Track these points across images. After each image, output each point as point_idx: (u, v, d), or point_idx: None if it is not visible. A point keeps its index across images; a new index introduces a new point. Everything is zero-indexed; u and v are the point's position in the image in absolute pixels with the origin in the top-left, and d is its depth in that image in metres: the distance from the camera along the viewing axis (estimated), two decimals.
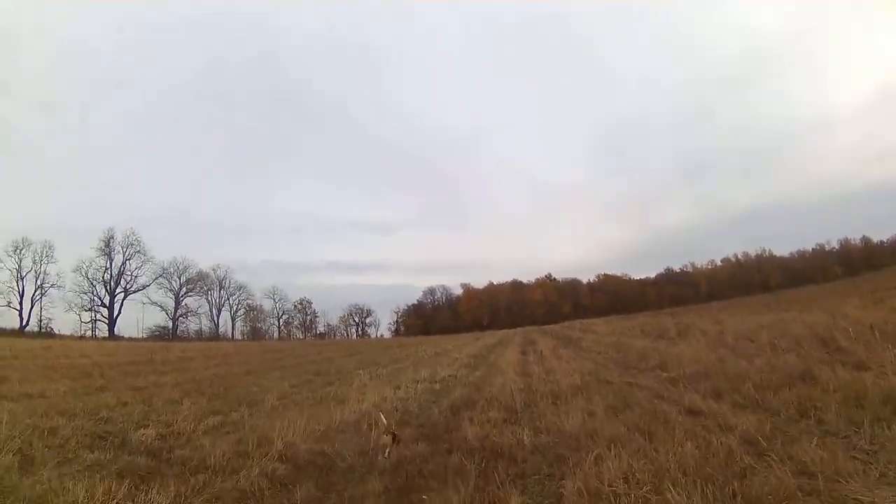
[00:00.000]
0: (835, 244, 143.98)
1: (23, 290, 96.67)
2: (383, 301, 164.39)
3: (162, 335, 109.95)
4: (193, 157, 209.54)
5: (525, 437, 9.04)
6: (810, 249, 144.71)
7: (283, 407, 14.83)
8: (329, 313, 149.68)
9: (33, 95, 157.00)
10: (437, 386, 18.23)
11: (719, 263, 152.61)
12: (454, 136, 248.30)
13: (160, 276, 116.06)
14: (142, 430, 10.97)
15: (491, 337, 61.00)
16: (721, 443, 7.10)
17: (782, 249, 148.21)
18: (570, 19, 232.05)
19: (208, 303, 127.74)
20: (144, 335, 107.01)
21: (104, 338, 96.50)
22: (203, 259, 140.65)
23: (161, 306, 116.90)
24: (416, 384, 18.45)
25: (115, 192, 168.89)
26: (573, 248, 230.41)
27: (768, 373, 11.33)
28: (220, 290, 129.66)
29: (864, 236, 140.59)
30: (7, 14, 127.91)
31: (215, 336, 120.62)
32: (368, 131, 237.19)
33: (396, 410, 12.85)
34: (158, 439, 10.50)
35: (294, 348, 58.99)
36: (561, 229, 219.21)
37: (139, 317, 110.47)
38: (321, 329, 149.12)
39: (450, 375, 21.22)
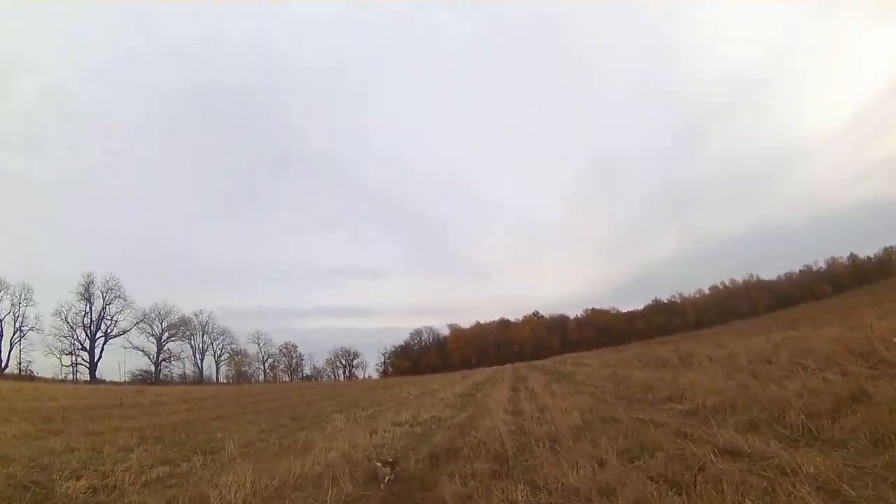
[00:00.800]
0: (822, 264, 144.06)
1: (1, 333, 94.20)
2: (372, 344, 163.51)
3: (144, 379, 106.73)
4: (178, 205, 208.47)
5: (519, 497, 7.00)
6: (797, 271, 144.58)
7: (243, 456, 13.19)
8: (317, 357, 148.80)
9: (14, 134, 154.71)
10: (418, 430, 16.19)
11: (707, 291, 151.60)
12: (440, 180, 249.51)
13: (141, 320, 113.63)
14: (73, 482, 10.09)
15: (479, 374, 58.28)
16: (791, 494, 5.14)
17: (770, 273, 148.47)
18: (556, 52, 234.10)
19: (191, 347, 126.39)
20: (126, 379, 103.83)
21: (85, 381, 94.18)
22: (186, 305, 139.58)
23: (143, 351, 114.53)
24: (395, 428, 16.70)
25: (96, 237, 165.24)
26: (560, 285, 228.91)
27: (810, 397, 9.37)
28: (202, 334, 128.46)
29: (851, 254, 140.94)
30: None
31: (199, 380, 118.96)
32: (355, 178, 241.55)
33: (369, 460, 10.70)
34: (89, 492, 9.69)
35: (275, 391, 56.55)
36: (548, 266, 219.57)
37: (121, 361, 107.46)
38: (307, 372, 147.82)
39: (433, 417, 19.15)
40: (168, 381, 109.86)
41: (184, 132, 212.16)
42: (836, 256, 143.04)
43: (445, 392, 32.63)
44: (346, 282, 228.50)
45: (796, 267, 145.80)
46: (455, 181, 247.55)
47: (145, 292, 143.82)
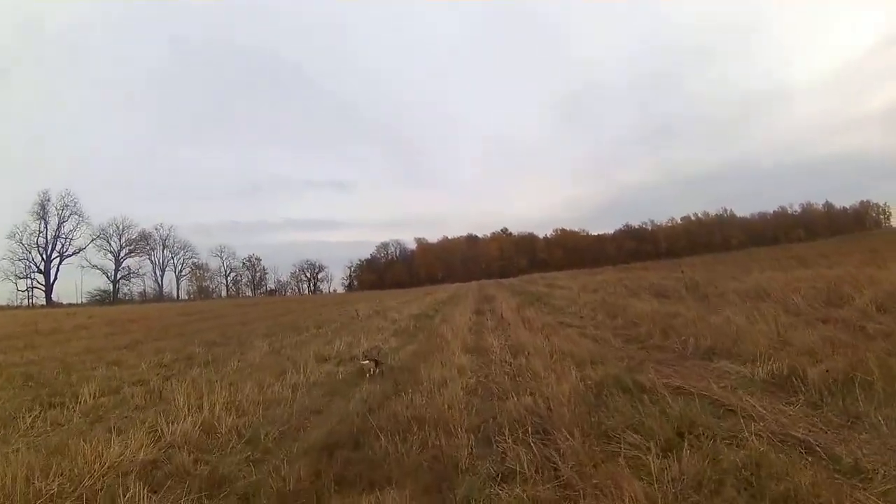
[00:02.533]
0: (797, 208, 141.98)
1: None
2: (341, 258, 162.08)
3: (103, 300, 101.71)
4: (144, 120, 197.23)
5: None
6: (771, 212, 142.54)
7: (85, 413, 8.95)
8: (283, 270, 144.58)
9: None
10: (341, 372, 11.43)
11: (679, 221, 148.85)
12: (415, 95, 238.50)
13: (97, 237, 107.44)
14: None
15: (443, 291, 53.89)
16: None
17: (742, 211, 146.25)
18: None
19: (151, 263, 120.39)
20: (84, 300, 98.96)
21: (41, 306, 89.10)
22: (146, 219, 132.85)
23: (101, 269, 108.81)
24: (318, 366, 12.27)
25: (54, 154, 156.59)
26: (533, 206, 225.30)
27: None
28: (163, 249, 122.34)
29: (826, 201, 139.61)
30: None
31: (159, 297, 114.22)
32: (327, 88, 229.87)
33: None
34: None
35: (218, 308, 51.25)
36: (520, 186, 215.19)
37: (78, 281, 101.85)
38: (271, 286, 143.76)
39: (372, 349, 14.41)
40: (126, 300, 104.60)
41: (151, 50, 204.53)
42: (812, 202, 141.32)
43: (400, 312, 28.28)
44: (317, 194, 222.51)
45: (770, 208, 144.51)
46: (431, 98, 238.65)
47: (106, 210, 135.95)
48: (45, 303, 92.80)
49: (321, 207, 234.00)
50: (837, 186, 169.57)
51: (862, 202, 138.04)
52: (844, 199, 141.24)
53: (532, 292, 34.55)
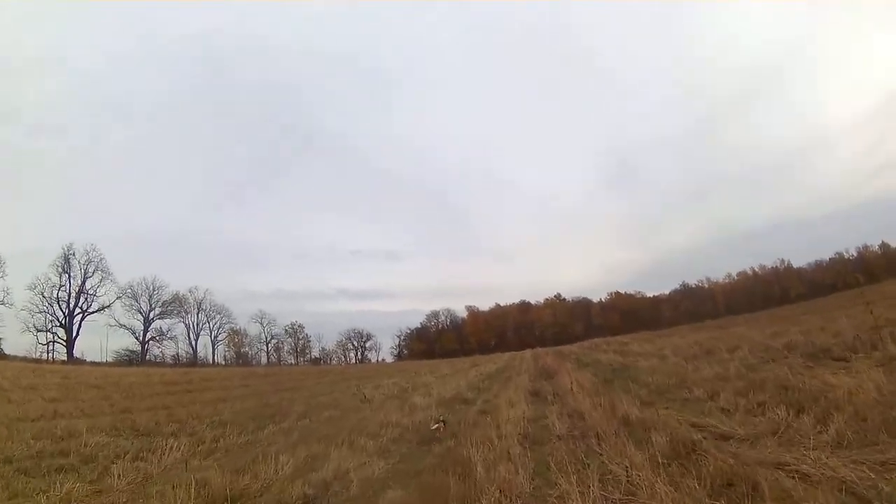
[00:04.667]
0: (853, 252, 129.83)
1: None
2: (389, 327, 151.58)
3: (130, 360, 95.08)
4: (189, 192, 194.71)
5: None
6: (827, 259, 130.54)
7: None
8: (330, 339, 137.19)
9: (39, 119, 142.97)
10: None
11: (735, 277, 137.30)
12: (460, 162, 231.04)
13: (122, 295, 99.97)
14: None
15: (491, 363, 45.53)
16: None
17: (799, 262, 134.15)
18: (579, 40, 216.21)
19: (185, 326, 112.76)
20: (109, 359, 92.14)
21: (62, 361, 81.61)
22: (182, 283, 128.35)
23: (129, 329, 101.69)
24: None
25: (103, 213, 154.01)
26: (581, 271, 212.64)
27: None
28: (198, 313, 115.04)
29: (882, 242, 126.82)
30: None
31: (192, 362, 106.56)
32: (375, 160, 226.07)
33: None
34: None
35: (227, 377, 44.12)
36: (569, 251, 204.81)
37: (103, 339, 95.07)
38: (315, 354, 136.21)
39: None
40: (155, 363, 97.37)
41: (199, 118, 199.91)
42: (867, 245, 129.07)
43: (430, 393, 20.97)
44: (366, 264, 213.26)
45: (823, 256, 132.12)
46: (477, 166, 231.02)
47: (140, 270, 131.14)
48: (66, 358, 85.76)
49: (370, 277, 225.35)
50: (887, 226, 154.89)
51: None
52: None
53: (604, 363, 26.30)
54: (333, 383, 35.94)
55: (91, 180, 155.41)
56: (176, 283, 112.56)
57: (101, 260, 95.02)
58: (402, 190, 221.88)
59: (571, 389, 14.60)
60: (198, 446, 12.08)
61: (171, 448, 11.28)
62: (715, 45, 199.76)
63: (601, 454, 7.87)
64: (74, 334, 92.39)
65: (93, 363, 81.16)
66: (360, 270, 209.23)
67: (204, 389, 31.79)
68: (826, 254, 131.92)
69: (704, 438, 7.91)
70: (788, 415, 8.29)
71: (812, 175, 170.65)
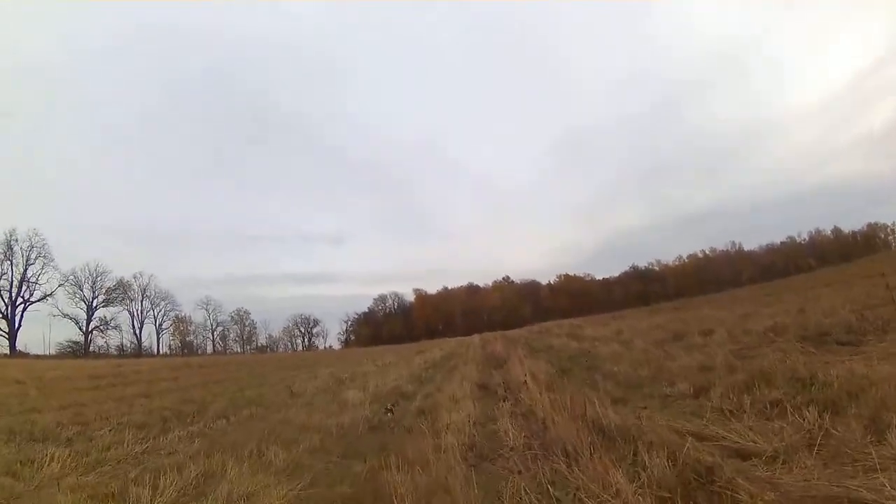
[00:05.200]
0: (805, 236, 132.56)
1: None
2: (338, 313, 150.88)
3: (74, 351, 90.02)
4: (129, 165, 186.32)
5: None
6: (779, 243, 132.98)
7: None
8: (278, 325, 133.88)
9: None
10: None
11: (686, 260, 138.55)
12: (407, 143, 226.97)
13: (65, 282, 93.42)
14: None
15: (437, 349, 43.13)
16: None
17: (751, 245, 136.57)
18: (527, 23, 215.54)
19: (130, 315, 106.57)
20: (53, 352, 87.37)
21: (3, 354, 76.74)
22: (126, 268, 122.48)
23: (73, 319, 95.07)
24: None
25: (28, 192, 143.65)
26: (531, 253, 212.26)
27: None
28: (142, 300, 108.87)
29: (835, 227, 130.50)
30: None
31: (137, 352, 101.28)
32: (320, 139, 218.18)
33: None
34: None
35: (159, 369, 40.70)
36: (518, 233, 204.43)
37: (45, 331, 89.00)
38: (262, 341, 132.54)
39: None
40: (99, 354, 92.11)
41: (147, 102, 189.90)
42: (819, 229, 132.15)
43: (369, 384, 18.75)
44: (314, 248, 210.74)
45: (778, 239, 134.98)
46: (426, 147, 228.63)
47: (80, 255, 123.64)
48: (8, 352, 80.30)
49: (319, 261, 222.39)
50: (838, 213, 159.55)
51: (869, 224, 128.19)
52: (855, 223, 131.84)
53: (558, 348, 24.19)
54: (268, 374, 33.20)
55: (35, 163, 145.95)
56: (120, 269, 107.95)
57: (43, 246, 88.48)
58: (353, 172, 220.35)
59: (525, 382, 12.30)
60: (84, 457, 9.43)
61: (53, 459, 9.03)
62: (672, 32, 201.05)
63: (574, 481, 5.58)
64: (17, 325, 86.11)
65: (36, 356, 76.23)
66: (309, 254, 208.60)
67: (130, 383, 28.70)
68: (778, 238, 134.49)
69: (713, 455, 5.70)
70: (820, 418, 6.16)
71: (765, 160, 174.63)
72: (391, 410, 12.16)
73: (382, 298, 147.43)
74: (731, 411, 7.94)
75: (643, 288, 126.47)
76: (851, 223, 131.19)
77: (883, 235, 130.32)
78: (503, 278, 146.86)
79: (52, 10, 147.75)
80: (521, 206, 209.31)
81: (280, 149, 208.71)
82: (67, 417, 15.46)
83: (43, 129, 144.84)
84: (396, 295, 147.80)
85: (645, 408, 9.26)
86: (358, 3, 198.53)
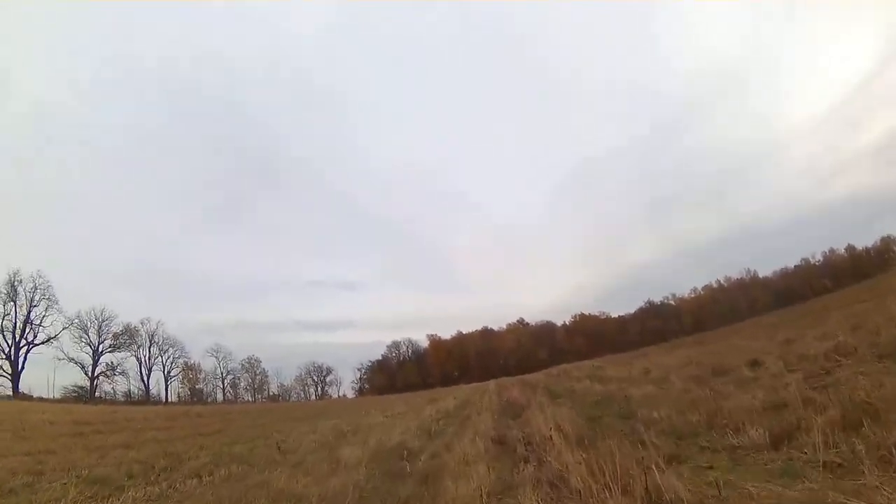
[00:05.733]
0: (819, 257, 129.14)
1: None
2: (351, 360, 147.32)
3: (80, 396, 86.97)
4: (144, 221, 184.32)
5: None
6: (793, 266, 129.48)
7: None
8: (287, 373, 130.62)
9: None
10: None
11: (701, 292, 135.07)
12: (418, 188, 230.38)
13: (69, 325, 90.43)
14: None
15: (451, 397, 40.40)
16: None
17: (765, 270, 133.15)
18: (535, 58, 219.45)
19: (137, 361, 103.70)
20: (57, 395, 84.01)
21: (7, 396, 73.58)
22: (132, 313, 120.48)
23: (79, 363, 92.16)
24: None
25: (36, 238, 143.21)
26: (545, 294, 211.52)
27: None
28: (150, 346, 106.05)
29: (848, 245, 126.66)
30: None
31: (144, 399, 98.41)
32: (334, 188, 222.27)
33: None
34: None
35: (152, 417, 38.23)
36: (531, 275, 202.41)
37: (50, 374, 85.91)
38: (274, 390, 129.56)
39: None
40: (104, 400, 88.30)
41: (155, 148, 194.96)
42: (833, 248, 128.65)
43: (370, 439, 16.61)
44: (326, 295, 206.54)
45: (789, 263, 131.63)
46: (436, 190, 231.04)
47: (86, 300, 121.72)
48: (11, 394, 77.19)
49: (329, 308, 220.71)
50: (850, 228, 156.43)
51: (883, 238, 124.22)
52: (867, 237, 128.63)
53: (581, 393, 21.71)
54: (270, 425, 31.03)
55: (40, 206, 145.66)
56: (127, 314, 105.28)
57: (47, 287, 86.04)
58: (363, 218, 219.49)
59: (550, 437, 10.07)
60: None
61: None
62: (672, 49, 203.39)
63: None
64: (20, 367, 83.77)
65: (40, 399, 73.81)
66: (322, 301, 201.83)
67: (117, 431, 27.17)
68: (792, 262, 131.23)
69: None
70: None
71: (772, 181, 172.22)
72: None
73: (396, 345, 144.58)
74: (838, 465, 5.79)
75: (660, 323, 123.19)
76: (864, 238, 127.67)
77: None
78: (518, 321, 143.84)
79: (61, 49, 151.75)
80: (533, 247, 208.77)
81: (289, 195, 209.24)
82: (26, 465, 14.75)
83: (50, 170, 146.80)
84: (410, 341, 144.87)
85: (711, 467, 7.08)
86: (363, 37, 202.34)
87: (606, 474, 6.87)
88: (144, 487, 11.82)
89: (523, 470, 8.62)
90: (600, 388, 20.63)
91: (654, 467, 6.40)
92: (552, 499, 6.91)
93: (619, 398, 16.10)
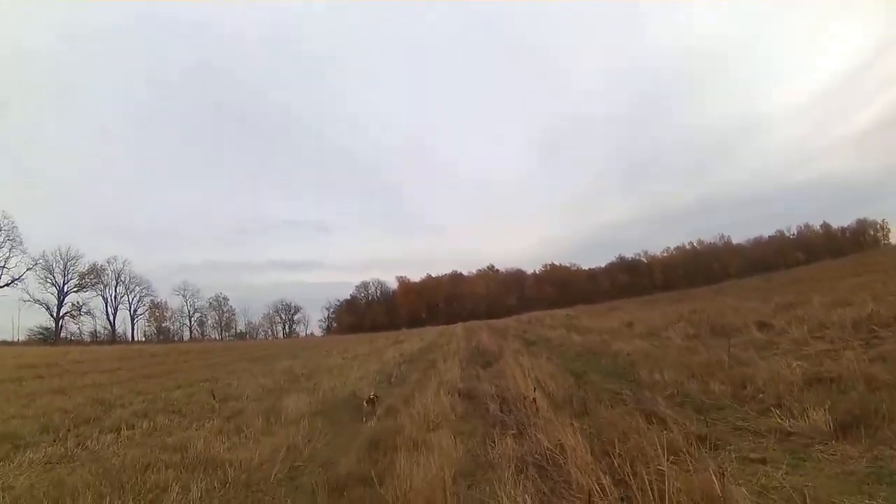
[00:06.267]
0: (794, 231, 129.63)
1: None
2: (320, 300, 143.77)
3: (45, 337, 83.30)
4: (116, 155, 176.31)
5: None
6: (767, 237, 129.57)
7: None
8: (256, 311, 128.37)
9: None
10: None
11: (673, 252, 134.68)
12: (396, 137, 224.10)
13: (34, 266, 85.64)
14: None
15: (417, 339, 38.68)
16: None
17: (740, 238, 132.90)
18: (515, 20, 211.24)
19: (103, 300, 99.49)
20: (22, 338, 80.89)
21: None
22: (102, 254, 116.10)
23: (44, 304, 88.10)
24: None
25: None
26: (519, 244, 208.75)
27: None
28: (116, 286, 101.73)
29: (824, 222, 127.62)
30: None
31: (111, 339, 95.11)
32: (310, 127, 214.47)
33: None
34: None
35: (104, 359, 35.83)
36: (504, 225, 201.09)
37: (14, 317, 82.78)
38: (242, 328, 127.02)
39: None
40: (70, 341, 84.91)
41: (133, 89, 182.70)
42: (809, 224, 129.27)
43: (322, 384, 14.99)
44: (298, 235, 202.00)
45: (767, 233, 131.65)
46: (413, 137, 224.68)
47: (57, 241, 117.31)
48: None
49: (303, 248, 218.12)
50: (834, 207, 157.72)
51: (859, 220, 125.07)
52: (843, 220, 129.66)
53: (557, 343, 19.89)
54: (225, 366, 28.83)
55: (13, 148, 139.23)
56: (94, 255, 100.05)
57: (12, 228, 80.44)
58: (340, 162, 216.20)
59: (533, 399, 8.02)
60: None
61: None
62: (661, 27, 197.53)
63: None
64: None
65: (4, 342, 70.58)
66: (293, 241, 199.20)
67: (59, 375, 24.96)
68: (766, 232, 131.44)
69: None
70: None
71: (754, 156, 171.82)
72: None
73: (365, 286, 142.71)
74: None
75: (630, 279, 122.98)
76: (840, 220, 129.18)
77: (872, 232, 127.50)
78: (488, 267, 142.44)
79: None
80: (508, 198, 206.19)
81: (269, 138, 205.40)
82: None
83: (22, 114, 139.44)
84: (379, 282, 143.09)
85: (763, 461, 5.07)
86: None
87: (617, 462, 4.87)
88: (50, 445, 9.65)
89: (500, 441, 6.57)
90: (580, 340, 18.64)
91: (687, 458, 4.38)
92: (544, 494, 4.89)
93: (605, 352, 14.18)
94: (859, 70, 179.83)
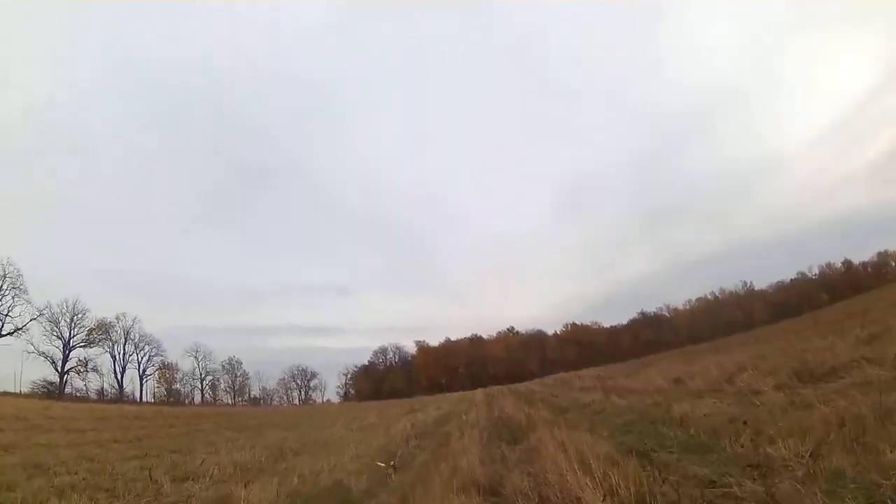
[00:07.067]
0: (815, 271, 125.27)
1: None
2: (339, 365, 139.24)
3: (49, 392, 79.34)
4: (141, 225, 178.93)
5: None
6: (789, 280, 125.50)
7: None
8: (271, 376, 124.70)
9: None
10: None
11: (695, 303, 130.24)
12: (411, 194, 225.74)
13: (37, 317, 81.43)
14: None
15: (433, 407, 34.95)
16: None
17: (762, 284, 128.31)
18: (533, 73, 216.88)
19: (112, 358, 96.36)
20: (25, 390, 76.86)
21: None
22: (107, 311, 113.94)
23: (49, 357, 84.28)
24: None
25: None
26: (537, 304, 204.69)
27: None
28: (125, 343, 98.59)
29: (845, 259, 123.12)
30: None
31: (118, 397, 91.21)
32: (328, 194, 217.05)
33: None
34: None
35: (78, 418, 32.60)
36: (522, 284, 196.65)
37: (17, 368, 78.91)
38: (256, 393, 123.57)
39: None
40: (76, 397, 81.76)
41: (150, 151, 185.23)
42: (830, 262, 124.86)
43: (305, 469, 11.41)
44: (316, 300, 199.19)
45: (784, 278, 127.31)
46: (429, 199, 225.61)
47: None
48: None
49: (318, 313, 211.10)
50: (854, 241, 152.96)
51: (879, 253, 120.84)
52: (864, 254, 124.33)
53: (595, 409, 16.38)
54: (204, 435, 26.63)
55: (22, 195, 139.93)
56: (102, 311, 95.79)
57: (17, 276, 77.28)
58: (356, 224, 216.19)
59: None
60: None
61: None
62: (675, 66, 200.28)
63: None
64: None
65: (5, 393, 66.88)
66: (312, 306, 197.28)
67: (22, 430, 24.10)
68: (788, 276, 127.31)
69: None
70: None
71: (771, 197, 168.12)
72: None
73: (383, 351, 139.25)
74: None
75: (653, 335, 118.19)
76: (861, 255, 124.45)
77: (893, 263, 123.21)
78: (508, 329, 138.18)
79: (56, 48, 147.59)
80: (525, 256, 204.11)
81: (283, 200, 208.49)
82: None
83: (38, 163, 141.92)
84: (397, 347, 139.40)
85: None
86: (359, 38, 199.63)
87: None
88: None
89: None
90: (624, 404, 15.12)
91: None
92: None
93: (665, 419, 10.83)
94: (875, 95, 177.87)
